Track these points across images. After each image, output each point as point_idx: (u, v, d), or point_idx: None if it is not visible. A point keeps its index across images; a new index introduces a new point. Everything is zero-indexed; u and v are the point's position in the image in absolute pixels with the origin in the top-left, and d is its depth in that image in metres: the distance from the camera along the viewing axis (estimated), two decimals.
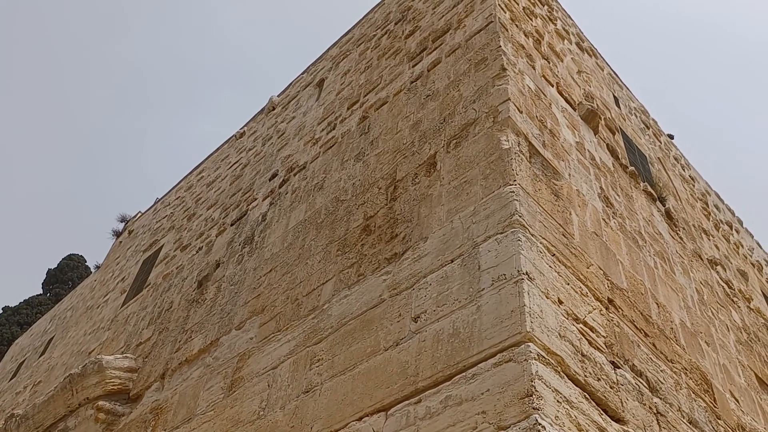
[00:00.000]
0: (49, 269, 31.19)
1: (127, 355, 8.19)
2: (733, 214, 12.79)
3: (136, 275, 11.60)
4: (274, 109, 12.17)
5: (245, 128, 12.89)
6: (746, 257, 11.08)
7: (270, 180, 9.19)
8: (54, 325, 16.02)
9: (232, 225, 9.17)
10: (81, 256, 31.82)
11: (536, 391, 3.32)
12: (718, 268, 8.58)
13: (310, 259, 6.37)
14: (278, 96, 12.53)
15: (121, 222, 16.13)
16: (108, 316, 11.38)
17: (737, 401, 5.96)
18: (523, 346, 3.56)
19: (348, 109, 8.63)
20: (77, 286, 19.64)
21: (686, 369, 5.30)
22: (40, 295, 29.78)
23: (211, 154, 13.87)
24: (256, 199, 9.08)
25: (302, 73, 12.25)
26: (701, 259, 8.16)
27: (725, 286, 8.35)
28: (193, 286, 8.63)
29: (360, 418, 4.15)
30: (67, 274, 30.65)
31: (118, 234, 15.91)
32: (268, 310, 6.32)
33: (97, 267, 17.65)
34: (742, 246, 11.36)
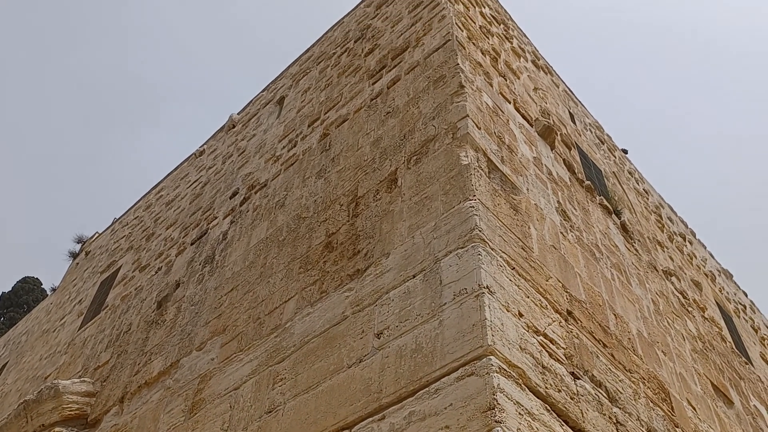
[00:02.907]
0: (3, 292, 30.26)
1: (85, 379, 7.98)
2: (686, 225, 13.15)
3: (94, 297, 11.34)
4: (234, 126, 12.11)
5: (205, 146, 12.78)
6: (699, 268, 11.39)
7: (231, 198, 9.12)
8: (8, 351, 15.52)
9: (192, 244, 9.06)
10: (36, 278, 30.98)
11: (498, 404, 3.35)
12: (673, 278, 8.80)
13: (272, 277, 6.33)
14: (238, 113, 12.48)
15: (78, 243, 15.75)
16: (65, 339, 11.09)
17: (694, 409, 6.10)
18: (484, 359, 3.59)
19: (309, 126, 8.65)
20: (33, 309, 19.08)
21: (644, 378, 5.41)
22: None
23: (171, 173, 13.70)
24: (216, 218, 9.00)
25: (262, 91, 12.23)
26: (656, 270, 8.36)
27: (680, 297, 8.56)
28: (152, 308, 8.48)
29: None
30: (22, 298, 29.78)
31: (74, 255, 15.54)
32: (229, 329, 6.25)
33: (54, 290, 17.20)
34: (696, 257, 11.69)
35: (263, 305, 6.06)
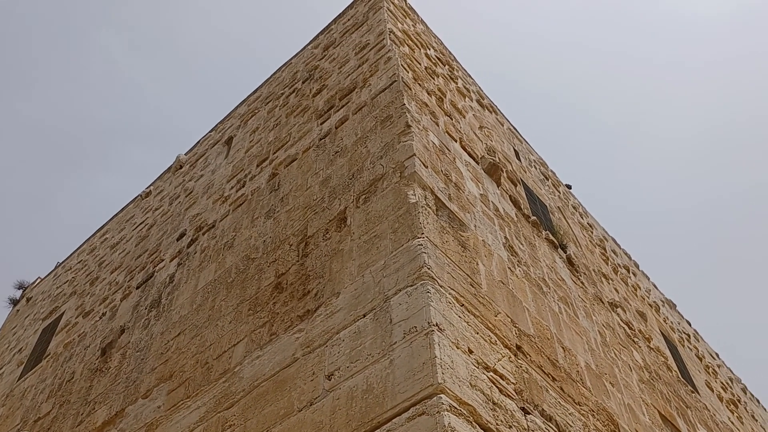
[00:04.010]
0: None
1: None
2: (629, 257, 13.52)
3: (35, 345, 10.89)
4: (181, 167, 11.97)
5: (151, 187, 12.58)
6: (644, 299, 11.69)
7: (178, 240, 8.97)
8: None
9: (137, 288, 8.84)
10: None
11: None
12: (618, 310, 9.01)
13: (221, 320, 6.22)
14: (186, 154, 12.36)
15: (19, 289, 15.16)
16: (2, 391, 10.58)
17: None
18: (435, 398, 3.59)
19: (257, 166, 8.63)
20: None
21: (593, 411, 5.48)
22: None
23: (116, 215, 13.41)
24: (163, 260, 8.82)
25: (210, 131, 12.17)
26: (602, 302, 8.55)
27: (626, 328, 8.76)
28: (96, 355, 8.20)
29: None
30: None
31: (14, 302, 14.93)
32: (176, 375, 6.08)
33: None
34: (640, 288, 12.00)
35: (211, 349, 5.93)
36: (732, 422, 10.70)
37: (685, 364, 10.71)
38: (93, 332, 8.97)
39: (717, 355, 14.63)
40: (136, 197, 12.98)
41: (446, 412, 3.50)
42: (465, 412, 3.68)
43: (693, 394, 9.56)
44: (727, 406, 11.30)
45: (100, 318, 9.16)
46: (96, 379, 7.61)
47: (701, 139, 42.56)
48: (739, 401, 12.56)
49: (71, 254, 14.07)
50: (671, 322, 12.48)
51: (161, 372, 6.38)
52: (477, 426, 3.70)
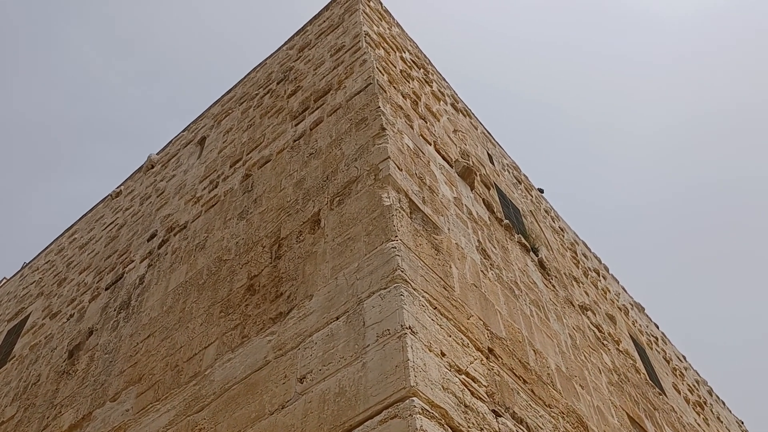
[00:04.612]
0: None
1: None
2: (599, 261, 13.70)
3: (0, 347, 10.66)
4: (153, 167, 11.83)
5: (122, 187, 12.40)
6: (613, 302, 11.85)
7: (148, 241, 8.85)
8: None
9: (106, 289, 8.70)
10: None
11: None
12: (589, 313, 9.12)
13: (192, 322, 6.15)
14: (157, 154, 12.21)
15: None
16: None
17: None
18: (407, 401, 3.60)
19: (231, 167, 8.56)
20: None
21: (563, 413, 5.54)
22: None
23: (85, 215, 13.19)
24: (133, 261, 8.70)
25: (183, 131, 12.04)
26: (573, 305, 8.65)
27: (596, 330, 8.87)
28: (63, 357, 8.05)
29: None
30: None
31: None
32: (145, 378, 6.00)
33: None
34: (609, 291, 12.16)
35: (182, 352, 5.86)
36: (698, 424, 10.90)
37: (653, 366, 10.88)
38: (60, 334, 8.80)
39: (684, 357, 14.89)
40: (106, 197, 12.78)
41: (418, 415, 3.50)
42: (437, 414, 3.69)
43: (660, 396, 9.71)
44: (693, 408, 11.51)
45: (68, 319, 8.99)
46: (63, 382, 7.47)
47: (669, 134, 43.44)
48: (705, 403, 12.80)
49: (38, 254, 13.81)
50: (640, 325, 12.68)
51: (130, 375, 6.29)
52: (449, 429, 3.71)
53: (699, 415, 11.49)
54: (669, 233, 41.65)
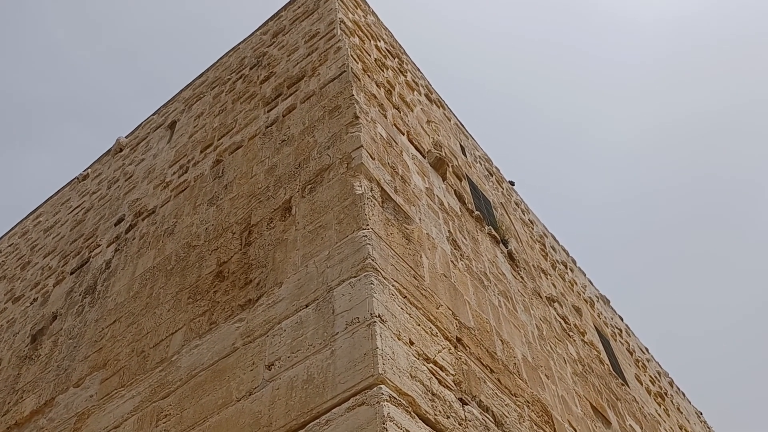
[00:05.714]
0: None
1: None
2: (567, 254, 13.89)
3: None
4: (121, 150, 11.63)
5: (89, 170, 12.17)
6: (580, 294, 12.03)
7: (116, 225, 8.72)
8: None
9: (72, 273, 8.55)
10: None
11: None
12: (555, 304, 9.24)
13: (159, 308, 6.09)
14: (126, 137, 12.01)
15: None
16: None
17: (575, 430, 6.39)
18: (375, 388, 3.61)
19: (201, 152, 8.46)
20: None
21: (528, 402, 5.62)
22: None
23: (50, 198, 12.92)
24: (99, 246, 8.56)
25: (153, 114, 11.85)
26: (540, 296, 8.76)
27: (562, 322, 9.00)
28: (26, 342, 7.90)
29: None
30: None
31: None
32: (110, 364, 5.93)
33: None
34: (576, 284, 12.34)
35: (148, 338, 5.80)
36: (659, 414, 11.15)
37: (617, 357, 11.09)
38: (23, 318, 8.64)
39: (647, 349, 15.21)
40: (72, 180, 12.54)
41: (386, 402, 3.52)
42: (404, 402, 3.71)
43: (623, 387, 9.91)
44: (654, 399, 11.77)
45: (31, 304, 8.83)
46: (25, 367, 7.34)
47: (643, 136, 44.16)
48: (666, 394, 13.10)
49: (1, 237, 13.51)
50: (605, 317, 12.90)
51: (95, 360, 6.20)
52: (416, 416, 3.74)
53: (660, 406, 11.76)
54: (637, 230, 42.45)
